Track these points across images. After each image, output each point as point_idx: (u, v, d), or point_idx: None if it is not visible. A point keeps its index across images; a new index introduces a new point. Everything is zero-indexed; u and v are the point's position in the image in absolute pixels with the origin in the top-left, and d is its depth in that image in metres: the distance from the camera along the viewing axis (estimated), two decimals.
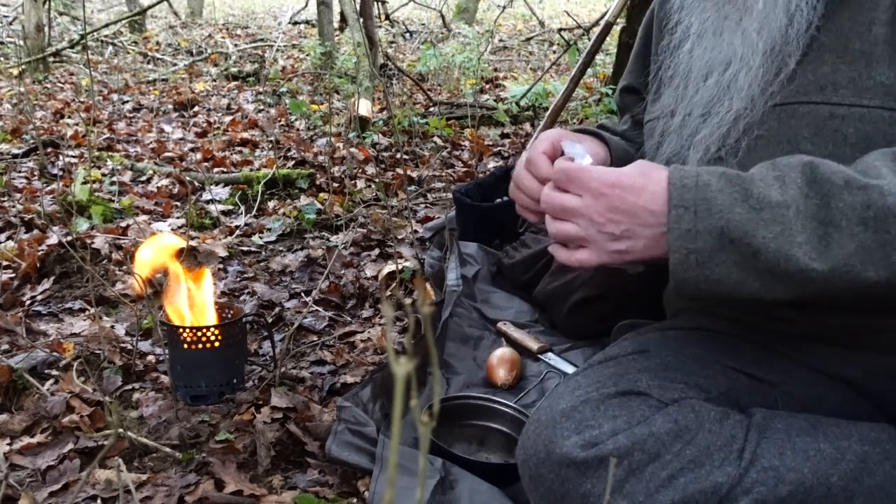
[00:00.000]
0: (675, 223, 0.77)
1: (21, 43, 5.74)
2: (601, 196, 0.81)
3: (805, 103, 0.88)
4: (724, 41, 0.93)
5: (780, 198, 0.75)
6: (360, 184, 2.96)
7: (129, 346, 1.63)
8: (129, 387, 1.51)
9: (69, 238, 2.06)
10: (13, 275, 2.00)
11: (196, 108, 4.59)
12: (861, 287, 0.74)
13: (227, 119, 4.24)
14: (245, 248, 2.32)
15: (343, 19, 7.00)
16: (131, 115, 4.38)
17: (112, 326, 1.74)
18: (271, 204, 2.75)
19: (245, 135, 3.82)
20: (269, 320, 1.74)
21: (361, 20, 4.71)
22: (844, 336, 0.92)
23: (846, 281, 0.74)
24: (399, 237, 2.39)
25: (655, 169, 0.81)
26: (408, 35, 8.82)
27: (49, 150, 3.27)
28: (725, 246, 0.76)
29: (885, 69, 0.84)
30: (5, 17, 8.04)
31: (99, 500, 1.17)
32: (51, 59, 5.79)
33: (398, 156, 3.35)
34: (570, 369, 1.52)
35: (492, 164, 3.36)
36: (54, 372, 1.54)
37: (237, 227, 2.49)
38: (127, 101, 4.72)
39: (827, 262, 0.73)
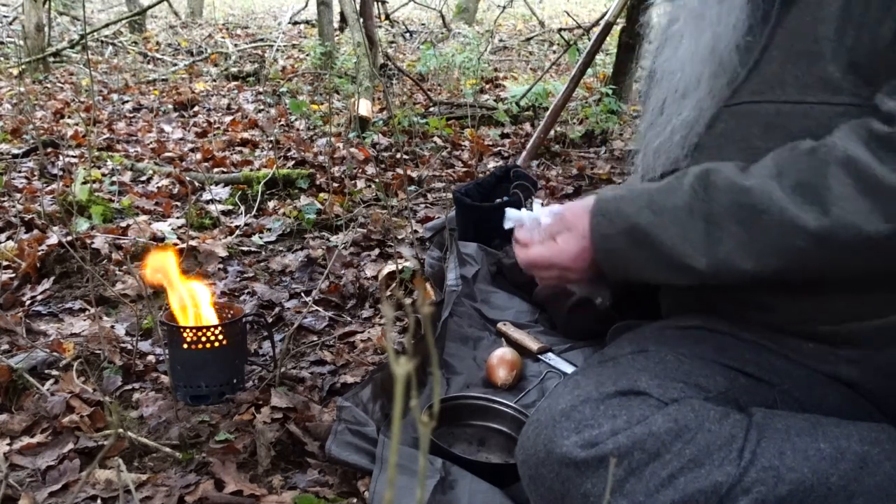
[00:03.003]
0: (595, 228, 0.94)
1: (21, 43, 5.74)
2: (552, 266, 1.00)
3: (754, 102, 0.92)
4: (680, 50, 0.99)
5: (677, 203, 0.88)
6: (360, 184, 2.96)
7: (129, 346, 1.63)
8: (129, 387, 1.51)
9: (69, 238, 2.06)
10: (13, 275, 2.00)
11: (196, 108, 4.59)
12: (741, 277, 0.86)
13: (227, 119, 4.24)
14: (245, 248, 2.32)
15: (343, 19, 7.00)
16: (131, 115, 4.38)
17: (112, 326, 1.74)
18: (271, 204, 2.75)
19: (245, 135, 3.82)
20: (269, 320, 1.74)
21: (361, 20, 4.71)
22: (827, 329, 0.93)
23: (728, 273, 0.86)
24: (399, 237, 2.39)
25: (580, 206, 0.98)
26: (408, 35, 8.82)
27: (49, 150, 3.27)
28: (634, 246, 0.91)
29: (826, 65, 0.87)
30: (5, 17, 8.04)
31: (99, 500, 1.17)
32: (51, 59, 5.79)
33: (398, 156, 3.35)
34: (570, 369, 1.52)
35: (492, 164, 3.36)
36: (54, 372, 1.54)
37: (237, 227, 2.49)
38: (127, 101, 4.72)
39: (710, 259, 0.86)
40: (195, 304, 1.48)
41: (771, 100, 0.90)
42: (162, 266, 1.46)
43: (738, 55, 0.93)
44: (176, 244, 2.27)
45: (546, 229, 1.00)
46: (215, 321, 1.50)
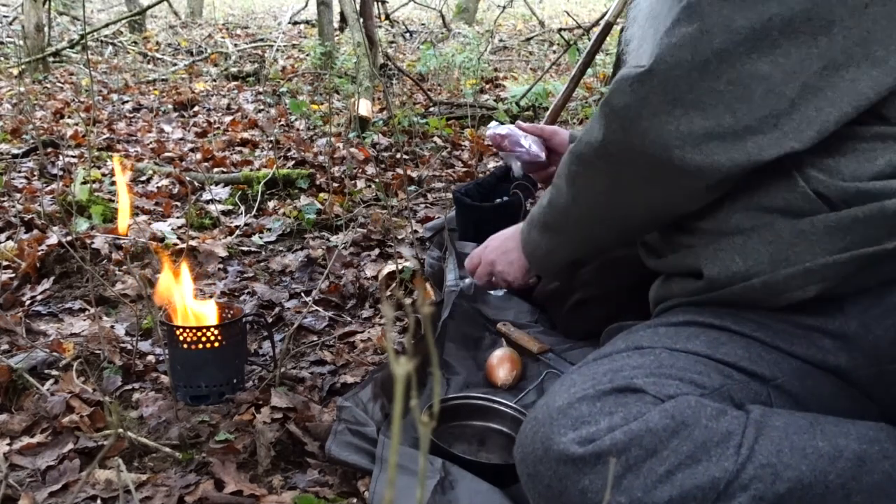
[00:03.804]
0: (522, 234, 1.31)
1: (21, 43, 5.74)
2: (495, 256, 1.40)
3: None
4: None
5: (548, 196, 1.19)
6: (360, 184, 2.96)
7: (129, 346, 1.63)
8: (129, 387, 1.51)
9: (69, 238, 2.06)
10: (13, 275, 2.00)
11: (196, 108, 4.59)
12: (570, 216, 1.15)
13: (227, 119, 4.24)
14: (245, 248, 2.32)
15: (343, 19, 7.00)
16: (131, 115, 4.38)
17: (112, 326, 1.74)
18: (271, 204, 2.75)
19: (245, 135, 3.82)
20: (269, 320, 1.74)
21: (361, 20, 4.71)
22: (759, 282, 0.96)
23: (563, 213, 1.16)
24: (399, 237, 2.39)
25: (506, 238, 1.39)
26: (408, 35, 8.82)
27: (49, 150, 3.27)
28: (531, 231, 1.26)
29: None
30: (5, 17, 8.04)
31: (99, 500, 1.18)
32: (51, 59, 5.79)
33: (398, 156, 3.35)
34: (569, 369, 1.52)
35: (492, 164, 3.36)
36: (54, 372, 1.54)
37: (237, 227, 2.49)
38: (127, 101, 4.72)
39: (550, 203, 1.18)
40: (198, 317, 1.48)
41: None
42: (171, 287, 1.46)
43: None
44: (176, 244, 2.27)
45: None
46: (215, 321, 1.50)
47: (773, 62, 0.87)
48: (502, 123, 1.48)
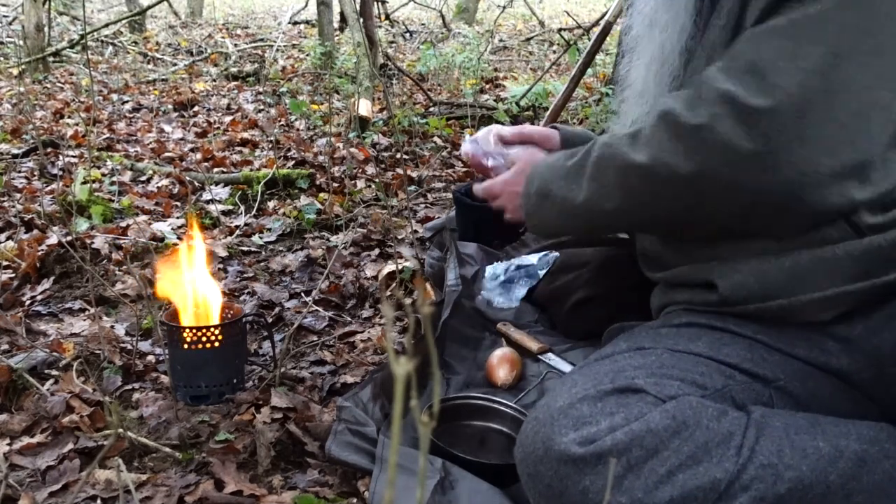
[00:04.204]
0: (524, 188, 1.18)
1: (21, 43, 5.74)
2: (502, 195, 1.29)
3: None
4: (637, 56, 1.11)
5: (569, 163, 1.09)
6: (360, 184, 2.96)
7: (129, 346, 1.63)
8: (129, 387, 1.51)
9: (69, 238, 2.06)
10: (13, 275, 2.00)
11: (196, 108, 4.59)
12: (614, 220, 1.06)
13: (227, 119, 4.24)
14: (245, 248, 2.32)
15: (343, 19, 7.00)
16: (131, 115, 4.38)
17: (112, 326, 1.74)
18: (271, 204, 2.75)
19: (245, 135, 3.82)
20: (269, 320, 1.74)
21: (361, 20, 4.71)
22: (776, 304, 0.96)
23: (599, 212, 1.04)
24: (399, 237, 2.39)
25: (527, 168, 1.21)
26: (408, 35, 8.81)
27: (49, 150, 3.27)
28: (541, 199, 1.14)
29: (721, 55, 0.95)
30: (5, 17, 8.04)
31: (99, 500, 1.18)
32: (51, 59, 5.79)
33: (398, 156, 3.35)
34: (570, 369, 1.52)
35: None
36: (54, 372, 1.54)
37: (237, 227, 2.49)
38: (127, 101, 4.72)
39: (582, 198, 1.05)
40: (203, 303, 1.48)
41: None
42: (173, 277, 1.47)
43: (682, 58, 1.04)
44: (176, 244, 2.27)
45: (506, 163, 1.34)
46: (215, 321, 1.50)
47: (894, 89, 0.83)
48: (473, 135, 1.42)
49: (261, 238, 2.40)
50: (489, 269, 1.85)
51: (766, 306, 0.95)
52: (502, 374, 1.47)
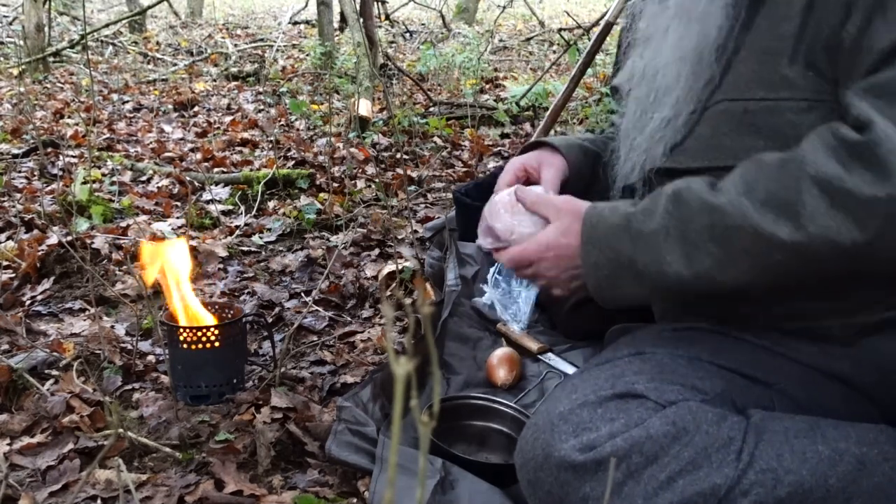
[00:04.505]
0: (585, 257, 0.96)
1: (21, 43, 5.74)
2: (543, 260, 1.02)
3: (724, 101, 0.94)
4: (657, 52, 1.01)
5: (652, 227, 0.90)
6: (360, 184, 2.96)
7: (129, 346, 1.63)
8: (129, 387, 1.51)
9: (69, 238, 2.06)
10: (13, 275, 2.00)
11: (196, 108, 4.58)
12: (727, 290, 0.88)
13: (227, 119, 4.24)
14: (245, 248, 2.32)
15: (343, 19, 7.00)
16: (131, 115, 4.38)
17: (112, 326, 1.74)
18: (271, 204, 2.75)
19: (245, 135, 3.82)
20: (269, 320, 1.74)
21: (361, 20, 4.71)
22: (818, 328, 0.94)
23: (712, 286, 0.88)
24: (399, 237, 2.39)
25: (574, 221, 0.99)
26: (408, 35, 8.81)
27: (49, 150, 3.27)
28: (620, 271, 0.93)
29: (787, 63, 0.88)
30: (5, 17, 8.04)
31: (99, 500, 1.18)
32: (51, 59, 5.79)
33: (398, 156, 3.35)
34: (569, 369, 1.52)
35: (492, 164, 3.36)
36: (54, 372, 1.54)
37: (237, 227, 2.49)
38: (127, 101, 4.72)
39: (690, 273, 0.88)
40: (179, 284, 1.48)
41: (738, 98, 0.93)
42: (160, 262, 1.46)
43: (716, 55, 0.95)
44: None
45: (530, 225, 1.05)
46: (214, 320, 1.50)
47: None
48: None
49: (261, 238, 2.40)
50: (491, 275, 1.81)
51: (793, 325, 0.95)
52: (502, 374, 1.47)
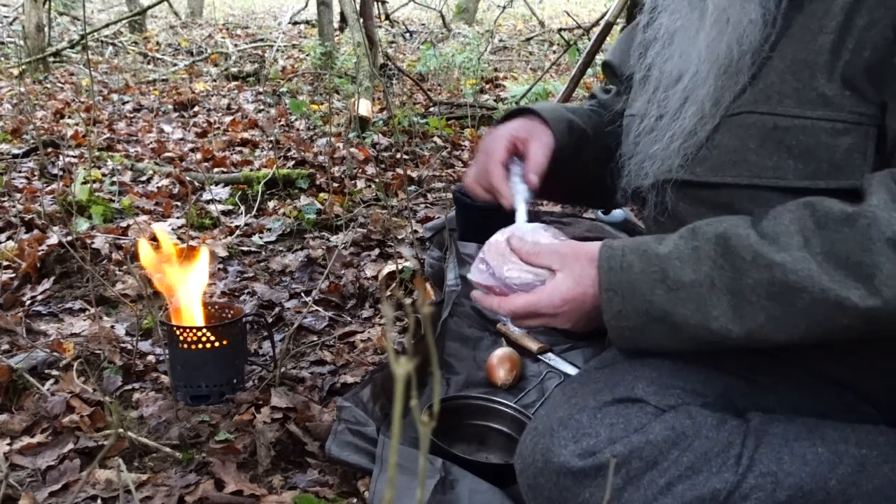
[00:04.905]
0: (606, 305, 0.87)
1: (21, 43, 5.74)
2: (558, 315, 0.92)
3: (752, 113, 0.88)
4: (684, 51, 0.94)
5: (694, 276, 0.82)
6: (360, 184, 2.96)
7: (129, 346, 1.63)
8: (129, 387, 1.51)
9: (69, 238, 2.06)
10: (13, 275, 2.00)
11: (196, 108, 4.59)
12: (776, 346, 0.82)
13: (227, 119, 4.24)
14: (245, 248, 2.32)
15: (343, 19, 7.00)
16: (131, 115, 4.38)
17: (112, 326, 1.74)
18: (271, 204, 2.75)
19: (245, 135, 3.82)
20: (269, 320, 1.74)
21: (361, 20, 4.71)
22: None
23: (762, 342, 0.81)
24: (399, 237, 2.39)
25: (586, 267, 0.89)
26: (408, 35, 8.82)
27: (49, 150, 3.27)
28: (651, 323, 0.85)
29: (825, 80, 0.83)
30: (5, 17, 8.05)
31: (99, 500, 1.18)
32: (51, 59, 5.79)
33: (398, 156, 3.35)
34: (569, 369, 1.52)
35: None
36: (54, 372, 1.54)
37: (237, 227, 2.49)
38: (127, 102, 4.72)
39: (741, 329, 0.81)
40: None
41: (768, 112, 0.87)
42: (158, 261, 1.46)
43: (748, 60, 0.88)
44: (176, 244, 2.27)
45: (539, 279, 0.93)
46: (215, 320, 1.50)
47: None
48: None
49: (261, 238, 2.40)
50: None
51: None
52: (502, 374, 1.47)
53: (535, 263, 0.93)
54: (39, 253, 2.04)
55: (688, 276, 0.82)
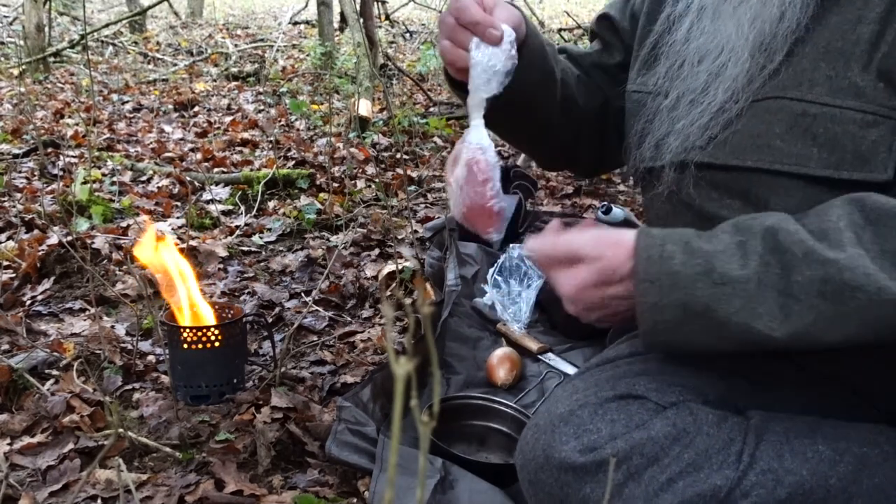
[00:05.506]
0: (642, 296, 0.80)
1: (21, 43, 5.74)
2: (597, 259, 0.83)
3: (780, 98, 0.86)
4: (719, 27, 0.90)
5: (742, 272, 0.77)
6: (360, 184, 2.96)
7: (129, 346, 1.63)
8: (129, 387, 1.51)
9: (69, 238, 2.06)
10: (13, 275, 2.00)
11: (196, 109, 4.59)
12: (822, 348, 0.77)
13: (227, 119, 4.24)
14: (245, 248, 2.32)
15: (343, 19, 7.00)
16: (131, 115, 4.38)
17: (112, 326, 1.74)
18: (271, 204, 2.75)
19: (245, 135, 3.82)
20: (269, 320, 1.74)
21: (361, 20, 4.71)
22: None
23: (807, 344, 0.77)
24: (399, 237, 2.39)
25: (622, 249, 0.82)
26: (408, 35, 8.82)
27: (49, 150, 3.27)
28: (690, 318, 0.79)
29: (859, 70, 0.82)
30: (6, 17, 8.05)
31: (99, 500, 1.18)
32: (51, 59, 5.79)
33: (398, 156, 3.35)
34: (569, 369, 1.52)
35: None
36: (54, 372, 1.54)
37: (237, 227, 2.49)
38: (127, 102, 4.73)
39: (787, 330, 0.76)
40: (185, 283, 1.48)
41: (797, 97, 0.84)
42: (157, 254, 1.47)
43: (785, 40, 0.85)
44: (176, 244, 2.27)
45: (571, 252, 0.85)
46: (214, 319, 1.50)
47: None
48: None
49: (261, 238, 2.40)
50: (490, 276, 1.82)
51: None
52: (502, 373, 1.47)
53: (563, 252, 0.86)
54: (39, 253, 2.04)
55: (735, 271, 0.77)
